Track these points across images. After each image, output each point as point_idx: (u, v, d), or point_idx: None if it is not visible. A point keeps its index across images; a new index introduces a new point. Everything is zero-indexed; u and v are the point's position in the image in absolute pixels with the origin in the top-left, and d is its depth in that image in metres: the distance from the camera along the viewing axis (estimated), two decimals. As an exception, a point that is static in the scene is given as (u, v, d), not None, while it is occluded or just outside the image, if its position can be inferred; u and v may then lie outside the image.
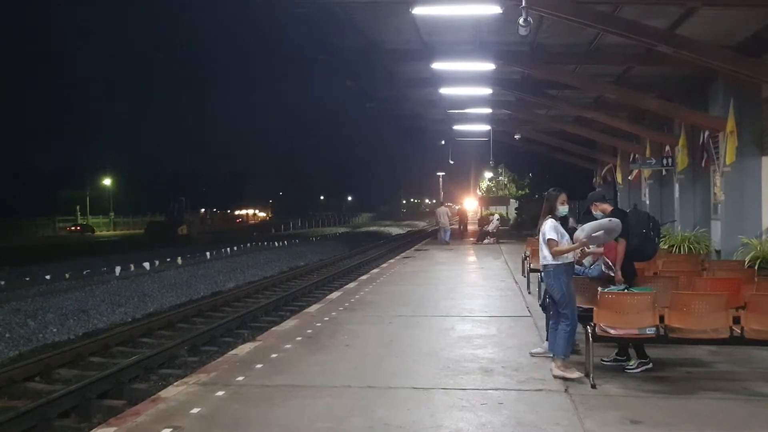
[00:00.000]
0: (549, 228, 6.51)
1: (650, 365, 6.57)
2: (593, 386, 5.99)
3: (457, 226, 33.12)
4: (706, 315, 6.01)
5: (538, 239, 6.85)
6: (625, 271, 6.96)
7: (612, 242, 6.95)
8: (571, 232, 6.77)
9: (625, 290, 6.46)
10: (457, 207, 42.52)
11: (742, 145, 13.25)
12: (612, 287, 6.60)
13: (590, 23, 11.38)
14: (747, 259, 11.00)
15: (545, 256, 6.56)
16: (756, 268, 10.02)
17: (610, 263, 6.97)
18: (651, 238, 7.12)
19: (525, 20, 9.16)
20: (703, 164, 16.51)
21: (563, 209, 6.69)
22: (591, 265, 7.33)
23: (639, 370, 6.52)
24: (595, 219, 7.33)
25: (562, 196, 6.70)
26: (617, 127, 22.03)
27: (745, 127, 13.45)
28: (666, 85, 17.91)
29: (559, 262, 6.48)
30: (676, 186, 17.96)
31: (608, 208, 7.26)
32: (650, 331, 6.09)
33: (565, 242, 6.54)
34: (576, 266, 7.02)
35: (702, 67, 13.84)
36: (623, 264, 6.94)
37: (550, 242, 6.47)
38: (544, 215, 6.71)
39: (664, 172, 20.21)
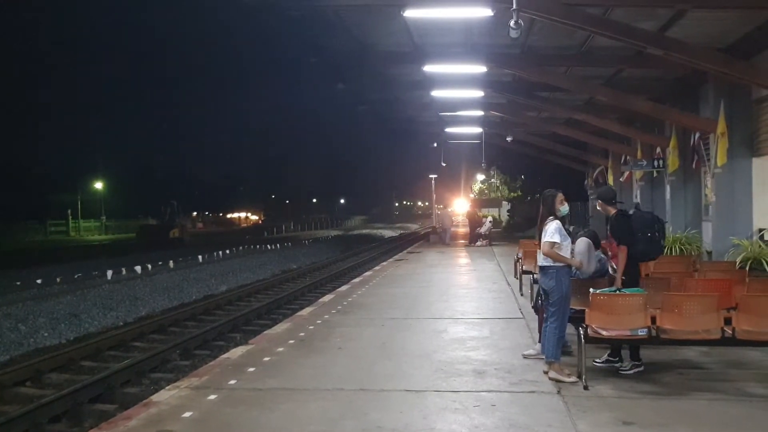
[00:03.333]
0: (554, 229, 6.46)
1: (642, 368, 6.58)
2: (586, 388, 6.00)
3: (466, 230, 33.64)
4: (697, 316, 6.03)
5: (536, 241, 6.82)
6: (630, 274, 6.79)
7: (615, 245, 6.86)
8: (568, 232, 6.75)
9: (617, 291, 6.47)
10: (449, 210, 42.61)
11: (733, 146, 13.32)
12: (605, 290, 6.59)
13: (581, 26, 11.42)
14: (738, 260, 11.06)
15: (545, 256, 6.52)
16: (747, 269, 10.07)
17: (615, 266, 6.87)
18: (656, 240, 6.95)
19: (516, 23, 9.18)
20: (694, 166, 16.60)
21: (564, 209, 6.68)
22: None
23: (632, 371, 6.53)
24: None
25: (560, 196, 6.69)
26: (608, 129, 22.11)
27: (736, 128, 13.52)
28: (657, 87, 17.99)
29: (562, 264, 6.48)
30: (668, 187, 18.04)
31: (612, 210, 7.04)
32: (642, 333, 6.10)
33: (567, 245, 6.54)
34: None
35: (693, 69, 13.92)
36: (629, 267, 6.78)
37: (552, 245, 6.41)
38: (543, 217, 6.67)
39: (655, 174, 20.31)
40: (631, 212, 7.21)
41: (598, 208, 7.31)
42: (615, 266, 6.93)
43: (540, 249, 6.64)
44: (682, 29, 12.37)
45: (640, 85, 17.82)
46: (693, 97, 16.30)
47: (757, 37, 12.49)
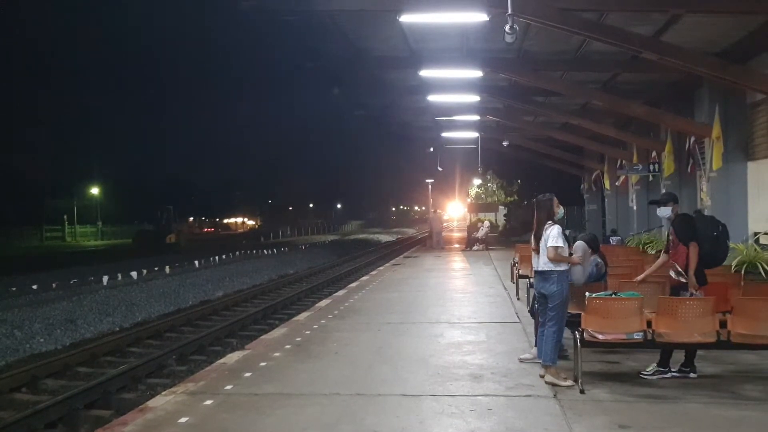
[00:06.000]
0: (557, 233, 6.47)
1: (668, 375, 6.53)
2: (582, 391, 6.01)
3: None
4: (693, 320, 6.04)
5: (532, 246, 6.81)
6: (696, 277, 6.65)
7: (682, 247, 6.70)
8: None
9: (612, 295, 6.48)
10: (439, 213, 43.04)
11: (728, 150, 13.39)
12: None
13: (576, 30, 11.48)
14: (733, 263, 11.05)
15: (546, 261, 6.51)
16: (742, 272, 10.06)
17: (680, 269, 6.68)
18: (722, 241, 6.90)
19: (511, 28, 9.20)
20: (689, 170, 16.64)
21: (560, 212, 6.76)
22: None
23: (655, 377, 6.50)
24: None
25: (556, 199, 6.77)
26: (604, 134, 22.19)
27: (731, 132, 13.59)
28: (652, 91, 18.06)
29: (563, 269, 6.50)
30: (663, 192, 18.07)
31: (677, 211, 6.99)
32: (638, 336, 6.11)
33: (566, 249, 6.57)
34: None
35: (688, 74, 13.97)
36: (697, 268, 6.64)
37: (557, 249, 6.40)
38: (541, 222, 6.68)
39: (650, 178, 20.36)
40: (693, 215, 7.13)
41: (664, 214, 7.13)
42: (679, 268, 6.68)
43: (537, 253, 6.65)
44: (676, 34, 12.43)
45: (635, 89, 17.90)
46: (688, 102, 16.37)
47: (751, 42, 12.56)
